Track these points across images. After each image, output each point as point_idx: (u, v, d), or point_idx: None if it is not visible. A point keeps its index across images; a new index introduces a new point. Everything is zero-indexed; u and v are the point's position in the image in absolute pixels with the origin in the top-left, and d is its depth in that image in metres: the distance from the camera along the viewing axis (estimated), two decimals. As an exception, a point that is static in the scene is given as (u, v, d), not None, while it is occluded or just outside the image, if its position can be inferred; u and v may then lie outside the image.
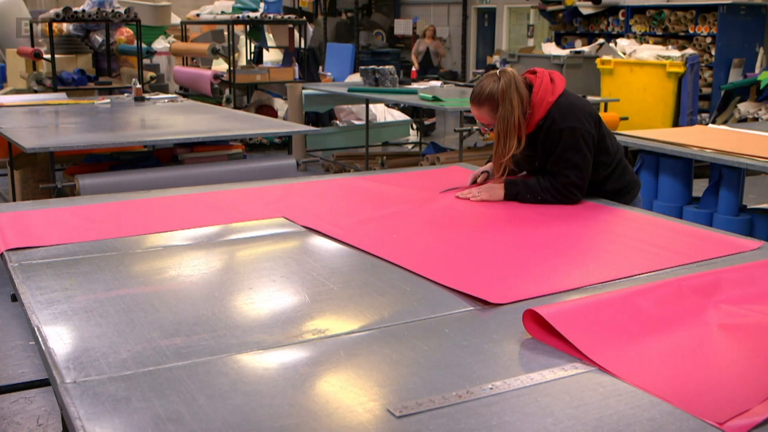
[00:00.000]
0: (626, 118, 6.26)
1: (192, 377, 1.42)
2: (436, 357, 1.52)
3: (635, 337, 1.58)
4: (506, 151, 2.76)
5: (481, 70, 14.06)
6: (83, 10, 8.07)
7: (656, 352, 1.53)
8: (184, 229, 2.46)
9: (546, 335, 1.60)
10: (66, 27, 8.90)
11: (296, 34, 9.69)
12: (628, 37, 11.63)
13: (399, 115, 9.79)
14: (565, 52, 11.50)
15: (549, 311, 1.59)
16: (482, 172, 3.08)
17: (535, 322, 1.63)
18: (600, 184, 2.88)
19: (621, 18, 12.25)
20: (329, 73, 11.30)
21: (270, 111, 9.18)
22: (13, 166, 5.29)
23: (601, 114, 6.73)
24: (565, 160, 2.76)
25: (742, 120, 9.41)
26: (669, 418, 1.30)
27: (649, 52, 10.12)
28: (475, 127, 5.90)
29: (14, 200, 5.33)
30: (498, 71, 2.76)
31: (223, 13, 9.75)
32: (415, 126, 9.84)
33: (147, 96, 6.55)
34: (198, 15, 10.45)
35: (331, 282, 1.96)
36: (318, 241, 2.38)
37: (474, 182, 3.05)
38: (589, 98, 6.91)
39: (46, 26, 8.01)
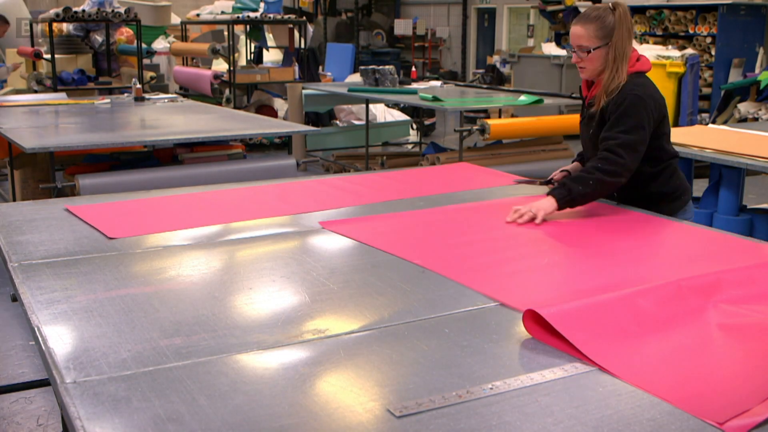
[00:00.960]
0: (626, 118, 6.26)
1: (192, 377, 1.42)
2: (436, 357, 1.52)
3: (635, 337, 1.58)
4: (618, 78, 2.59)
5: (481, 70, 14.05)
6: (83, 10, 8.07)
7: (656, 352, 1.53)
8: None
9: (546, 335, 1.60)
10: (66, 27, 8.90)
11: (296, 34, 9.69)
12: (628, 37, 11.61)
13: (399, 115, 9.80)
14: (565, 52, 11.50)
15: (549, 311, 1.59)
16: (561, 171, 2.90)
17: (535, 322, 1.63)
18: (645, 183, 2.72)
19: (621, 18, 12.23)
20: (329, 73, 11.30)
21: (270, 111, 9.18)
22: (13, 166, 5.29)
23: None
24: (618, 123, 2.58)
25: (742, 120, 9.41)
26: (669, 418, 1.30)
27: (649, 52, 10.12)
28: (475, 127, 5.90)
29: (14, 200, 5.33)
30: (611, 3, 2.63)
31: (223, 13, 9.76)
32: (415, 126, 9.84)
33: (147, 96, 6.55)
34: (198, 15, 10.45)
35: (331, 282, 1.96)
36: (318, 241, 2.38)
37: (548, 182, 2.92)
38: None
39: (46, 26, 8.02)
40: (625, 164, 2.55)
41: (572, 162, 2.99)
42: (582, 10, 12.42)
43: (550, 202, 2.52)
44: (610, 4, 2.62)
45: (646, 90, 2.63)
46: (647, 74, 2.71)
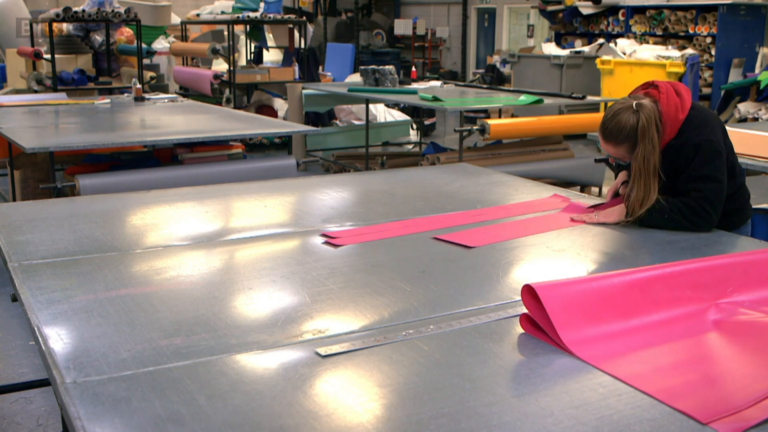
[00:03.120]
0: (626, 118, 6.26)
1: (192, 377, 1.42)
2: (436, 357, 1.52)
3: (629, 335, 1.58)
4: (649, 196, 2.44)
5: (481, 70, 14.04)
6: (83, 10, 8.07)
7: (651, 351, 1.54)
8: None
9: (542, 334, 1.60)
10: (66, 27, 8.90)
11: (296, 34, 9.69)
12: (628, 37, 11.64)
13: (399, 115, 9.79)
14: (565, 52, 11.51)
15: (549, 310, 1.59)
16: (622, 183, 2.68)
17: (532, 324, 1.63)
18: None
19: (621, 18, 12.25)
20: (329, 73, 11.29)
21: (270, 111, 9.18)
22: (13, 166, 5.29)
23: (601, 114, 6.73)
24: (701, 175, 2.45)
25: (742, 120, 9.41)
26: (669, 418, 1.29)
27: (649, 52, 10.13)
28: (475, 127, 5.90)
29: (14, 200, 5.33)
30: (634, 103, 2.45)
31: (223, 13, 9.76)
32: (415, 126, 9.84)
33: (147, 96, 6.55)
34: (198, 15, 10.45)
35: (331, 282, 1.96)
36: (318, 241, 2.38)
37: (616, 195, 2.68)
38: (589, 98, 6.91)
39: (46, 26, 8.02)
40: (712, 221, 2.48)
41: (617, 172, 2.79)
42: (582, 10, 12.46)
43: (620, 216, 2.51)
44: (634, 105, 2.45)
45: (708, 124, 2.51)
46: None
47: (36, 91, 7.81)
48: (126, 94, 6.83)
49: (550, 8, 13.16)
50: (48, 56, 8.02)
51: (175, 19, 12.09)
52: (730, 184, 2.56)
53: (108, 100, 6.34)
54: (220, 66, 10.17)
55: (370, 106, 8.39)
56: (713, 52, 11.02)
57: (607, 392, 1.38)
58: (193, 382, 1.40)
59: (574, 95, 6.91)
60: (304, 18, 11.30)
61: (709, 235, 2.43)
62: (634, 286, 1.71)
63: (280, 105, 9.43)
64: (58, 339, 1.58)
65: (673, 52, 9.97)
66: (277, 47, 10.64)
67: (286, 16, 9.61)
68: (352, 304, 1.81)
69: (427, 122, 10.52)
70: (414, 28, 17.57)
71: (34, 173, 5.30)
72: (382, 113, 9.51)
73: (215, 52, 9.20)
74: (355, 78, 9.89)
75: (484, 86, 9.68)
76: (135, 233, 2.45)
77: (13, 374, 3.59)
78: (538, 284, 1.63)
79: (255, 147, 8.95)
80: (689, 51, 10.06)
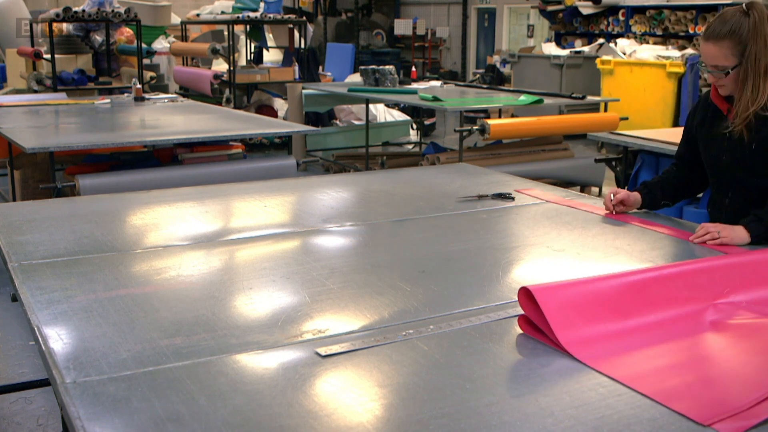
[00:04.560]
0: (626, 118, 6.27)
1: (192, 377, 1.42)
2: (436, 357, 1.52)
3: (627, 336, 1.58)
4: (757, 98, 2.19)
5: (481, 70, 14.05)
6: (83, 10, 8.08)
7: (648, 351, 1.54)
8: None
9: (540, 334, 1.60)
10: (66, 27, 8.91)
11: (296, 34, 9.70)
12: (628, 37, 11.63)
13: (399, 115, 9.79)
14: (565, 52, 11.50)
15: (546, 311, 1.59)
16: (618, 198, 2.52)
17: (530, 324, 1.63)
18: None
19: (621, 18, 12.24)
20: (329, 73, 11.30)
21: (270, 111, 9.18)
22: (13, 166, 5.29)
23: (601, 114, 6.74)
24: None
25: (742, 120, 9.40)
26: (669, 418, 1.29)
27: (649, 52, 10.12)
28: (475, 127, 5.89)
29: (14, 200, 5.33)
30: (744, 4, 2.21)
31: (223, 13, 9.76)
32: (415, 126, 9.84)
33: (147, 96, 6.56)
34: (198, 15, 10.46)
35: (331, 282, 1.96)
36: (318, 241, 2.38)
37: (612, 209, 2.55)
38: (589, 98, 6.91)
39: (46, 26, 8.02)
40: None
41: (637, 190, 2.61)
42: (582, 10, 12.45)
43: (742, 235, 2.22)
44: (744, 6, 2.23)
45: None
46: None
47: (36, 91, 7.81)
48: (126, 94, 6.83)
49: (550, 8, 13.15)
50: (48, 56, 8.02)
51: (175, 19, 12.09)
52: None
53: (108, 100, 6.35)
54: (220, 66, 10.17)
55: (370, 106, 8.39)
56: (713, 52, 11.00)
57: (607, 392, 1.38)
58: (193, 382, 1.40)
59: (574, 95, 6.91)
60: (304, 18, 11.31)
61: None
62: (632, 287, 1.71)
63: (280, 105, 9.43)
64: (58, 339, 1.58)
65: (673, 52, 9.96)
66: (277, 47, 10.64)
67: (286, 16, 9.61)
68: (352, 304, 1.81)
69: (427, 122, 10.52)
70: (414, 28, 17.57)
71: (34, 173, 5.30)
72: (382, 113, 9.51)
73: (215, 52, 9.20)
74: (355, 78, 9.89)
75: (484, 86, 9.68)
76: (135, 233, 2.45)
77: (13, 374, 3.59)
78: (535, 286, 1.62)
79: (255, 147, 8.95)
80: (689, 51, 10.05)
